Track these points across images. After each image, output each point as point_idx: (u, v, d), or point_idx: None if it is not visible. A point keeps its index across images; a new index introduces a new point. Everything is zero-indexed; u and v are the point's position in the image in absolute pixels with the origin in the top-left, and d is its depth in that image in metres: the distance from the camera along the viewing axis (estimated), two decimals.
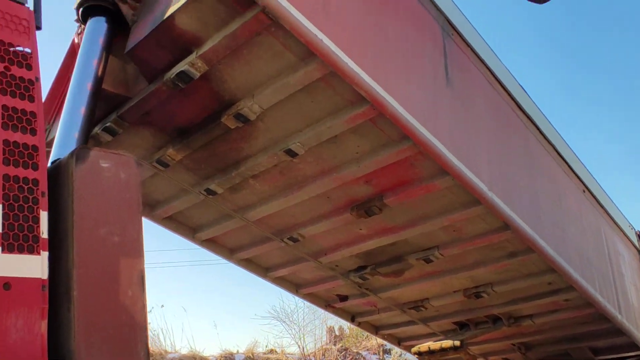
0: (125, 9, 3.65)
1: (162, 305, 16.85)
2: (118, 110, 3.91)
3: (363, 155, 4.21)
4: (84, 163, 2.53)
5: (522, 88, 5.60)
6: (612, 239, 7.08)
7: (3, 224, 2.24)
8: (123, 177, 2.63)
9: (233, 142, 4.18)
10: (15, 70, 2.48)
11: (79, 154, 2.53)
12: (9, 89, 2.44)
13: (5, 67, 2.46)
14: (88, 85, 3.47)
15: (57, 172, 2.56)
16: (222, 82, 3.70)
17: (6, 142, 2.36)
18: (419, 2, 4.38)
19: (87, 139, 3.39)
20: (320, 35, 3.21)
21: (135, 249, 2.58)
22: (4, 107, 2.40)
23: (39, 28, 2.70)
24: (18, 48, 2.53)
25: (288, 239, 5.24)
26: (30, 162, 2.39)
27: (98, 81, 3.54)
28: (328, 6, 3.39)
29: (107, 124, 3.95)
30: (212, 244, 5.51)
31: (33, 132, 2.44)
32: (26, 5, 2.65)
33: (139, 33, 3.51)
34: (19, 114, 2.43)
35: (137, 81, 3.86)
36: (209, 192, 4.62)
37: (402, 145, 4.02)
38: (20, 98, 2.46)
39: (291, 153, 4.12)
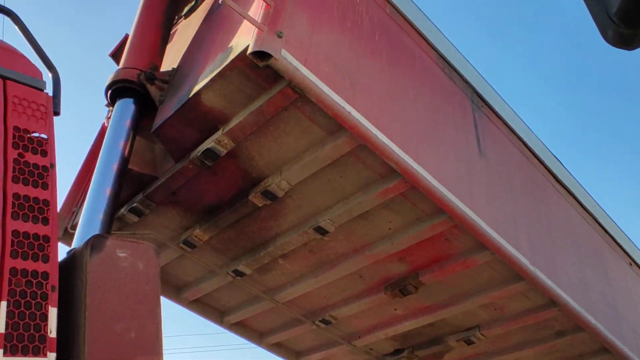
0: (153, 90, 3.68)
1: None
2: (145, 191, 3.86)
3: (396, 231, 4.04)
4: (100, 253, 2.38)
5: (557, 158, 5.43)
6: None
7: (7, 323, 2.07)
8: (141, 268, 2.48)
9: (261, 221, 4.06)
10: (30, 157, 2.40)
11: (94, 243, 2.39)
12: (21, 177, 2.34)
13: (19, 154, 2.38)
14: (114, 167, 3.44)
15: (71, 264, 2.41)
16: (250, 159, 3.63)
17: (15, 233, 2.22)
18: (447, 75, 4.34)
19: (112, 220, 3.32)
20: (348, 107, 3.15)
21: (153, 346, 2.40)
22: (15, 195, 2.28)
23: (57, 114, 2.66)
24: (34, 134, 2.46)
25: (320, 321, 5.00)
26: (41, 253, 2.25)
27: (124, 162, 3.50)
28: (356, 81, 3.34)
29: (134, 205, 3.89)
30: (241, 327, 5.29)
31: (45, 221, 2.32)
32: (45, 91, 2.62)
33: (166, 112, 3.50)
34: (31, 203, 2.31)
35: (165, 161, 3.83)
36: (237, 273, 4.47)
37: (437, 220, 3.85)
38: (33, 186, 2.35)
39: (321, 231, 3.97)
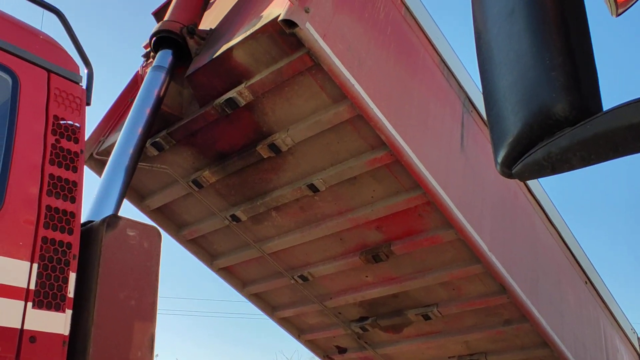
0: (191, 43, 4.30)
1: (157, 355, 16.95)
2: (168, 128, 4.46)
3: (377, 200, 4.64)
4: (113, 230, 2.83)
5: None
6: (611, 334, 7.23)
7: (36, 282, 2.48)
8: (146, 246, 2.92)
9: (263, 172, 4.67)
10: (65, 143, 2.79)
11: (109, 222, 2.84)
12: (57, 160, 2.73)
13: (56, 140, 2.77)
14: (147, 110, 4.03)
15: (88, 236, 2.84)
16: (263, 114, 4.24)
17: (48, 208, 2.63)
18: (444, 77, 4.96)
19: (140, 154, 3.90)
20: (353, 80, 3.77)
21: (149, 314, 2.86)
22: (51, 175, 2.70)
23: (88, 104, 3.06)
24: (69, 122, 2.87)
25: (298, 276, 5.59)
26: (67, 227, 2.66)
27: (158, 104, 4.11)
28: (364, 62, 3.96)
29: (156, 139, 4.49)
30: (227, 273, 5.89)
31: (73, 200, 2.72)
32: (80, 84, 3.04)
33: (200, 62, 4.12)
34: (63, 183, 2.73)
35: (190, 105, 4.44)
36: (234, 218, 5.07)
37: (413, 194, 4.45)
38: (65, 168, 2.74)
39: (313, 188, 4.58)
